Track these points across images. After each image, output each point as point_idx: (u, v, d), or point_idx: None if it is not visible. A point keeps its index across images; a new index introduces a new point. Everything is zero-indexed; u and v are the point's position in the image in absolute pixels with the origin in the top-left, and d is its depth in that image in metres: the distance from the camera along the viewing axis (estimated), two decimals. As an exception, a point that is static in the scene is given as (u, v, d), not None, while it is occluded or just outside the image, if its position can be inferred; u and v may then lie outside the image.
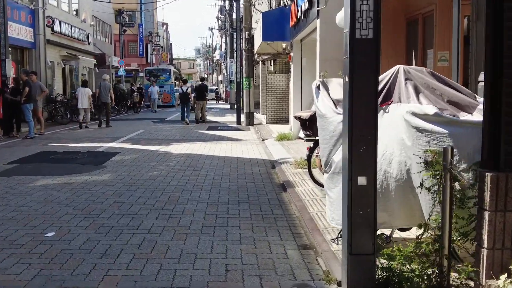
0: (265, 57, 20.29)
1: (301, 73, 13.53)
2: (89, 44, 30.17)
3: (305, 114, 6.68)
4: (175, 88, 35.82)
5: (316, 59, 13.19)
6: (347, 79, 3.52)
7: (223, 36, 59.88)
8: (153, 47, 52.98)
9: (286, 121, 20.18)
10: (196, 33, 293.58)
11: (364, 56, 3.46)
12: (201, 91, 21.55)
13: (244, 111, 20.21)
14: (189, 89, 21.34)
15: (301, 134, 13.53)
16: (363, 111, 3.47)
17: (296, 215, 5.89)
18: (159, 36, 55.41)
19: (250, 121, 20.05)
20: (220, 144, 13.32)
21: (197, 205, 6.35)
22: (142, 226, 5.37)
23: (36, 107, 15.53)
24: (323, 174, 6.88)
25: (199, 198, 6.75)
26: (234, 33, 35.80)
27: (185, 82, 22.72)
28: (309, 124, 6.66)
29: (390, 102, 3.96)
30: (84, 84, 19.92)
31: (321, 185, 6.89)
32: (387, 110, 3.97)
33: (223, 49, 62.03)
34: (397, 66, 4.09)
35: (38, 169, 9.15)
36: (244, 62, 20.17)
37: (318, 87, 4.82)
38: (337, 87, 4.78)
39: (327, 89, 4.77)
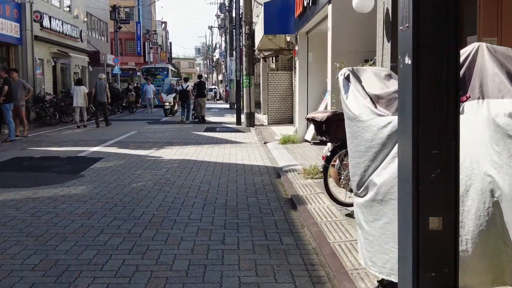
0: (266, 53, 18.97)
1: (307, 70, 12.21)
2: (82, 41, 28.84)
3: (321, 115, 5.34)
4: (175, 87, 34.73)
5: (325, 53, 11.88)
6: (408, 61, 2.20)
7: (223, 35, 58.63)
8: (150, 45, 51.59)
9: (289, 121, 18.86)
10: (196, 32, 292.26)
11: (438, 23, 2.14)
12: (200, 88, 20.90)
13: (244, 111, 18.90)
14: (190, 87, 21.01)
15: (308, 137, 12.22)
16: (436, 111, 2.15)
17: (312, 245, 4.56)
18: (156, 34, 54.00)
19: (251, 122, 18.73)
20: (217, 147, 12.00)
21: (185, 230, 5.02)
22: (108, 265, 4.04)
23: (18, 107, 14.21)
24: (347, 190, 5.59)
25: (188, 220, 5.42)
26: (234, 30, 34.55)
27: (186, 80, 22.29)
28: (326, 127, 5.32)
29: (466, 98, 2.63)
30: (79, 82, 19.48)
31: (341, 204, 5.57)
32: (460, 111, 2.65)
33: (222, 48, 60.77)
34: (475, 44, 2.77)
35: (3, 180, 7.82)
36: (244, 59, 18.84)
37: (347, 77, 3.48)
38: (372, 78, 3.45)
39: (359, 80, 3.43)
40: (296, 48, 12.43)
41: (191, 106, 21.19)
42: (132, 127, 18.23)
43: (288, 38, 14.35)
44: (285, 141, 12.17)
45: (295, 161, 9.19)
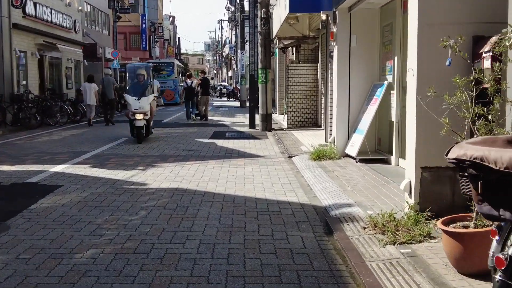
0: (286, 42, 15.73)
1: (349, 59, 8.97)
2: (76, 32, 25.78)
3: (498, 156, 2.06)
4: (180, 84, 31.49)
5: (374, 36, 8.66)
6: None
7: (233, 28, 55.47)
8: (156, 39, 48.49)
9: (314, 124, 15.63)
10: (206, 27, 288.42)
11: None
12: (205, 85, 19.61)
13: (260, 112, 15.68)
14: (194, 83, 19.42)
15: (352, 151, 8.88)
16: None
17: None
18: (162, 27, 50.84)
19: (268, 125, 15.51)
20: (227, 165, 8.81)
21: None
22: None
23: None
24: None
25: None
26: (246, 21, 31.41)
27: (189, 76, 20.60)
28: (507, 189, 2.06)
29: None
30: (90, 79, 18.07)
31: None
32: None
33: (233, 42, 57.58)
34: None
35: None
36: (259, 49, 15.60)
37: None
38: None
39: None
40: (334, 29, 9.19)
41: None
42: (123, 131, 15.09)
43: (324, 16, 10.95)
44: (319, 155, 8.95)
45: (347, 197, 5.97)
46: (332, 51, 9.62)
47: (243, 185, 7.07)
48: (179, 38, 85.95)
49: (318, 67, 15.33)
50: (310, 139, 12.42)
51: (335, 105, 9.20)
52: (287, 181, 7.37)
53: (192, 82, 19.37)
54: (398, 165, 7.96)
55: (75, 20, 25.65)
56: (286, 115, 18.18)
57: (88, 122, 17.58)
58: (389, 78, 8.37)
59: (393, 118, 8.10)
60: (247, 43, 35.74)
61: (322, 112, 14.88)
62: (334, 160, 8.78)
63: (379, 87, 8.62)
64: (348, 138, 9.13)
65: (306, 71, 15.57)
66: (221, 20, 67.51)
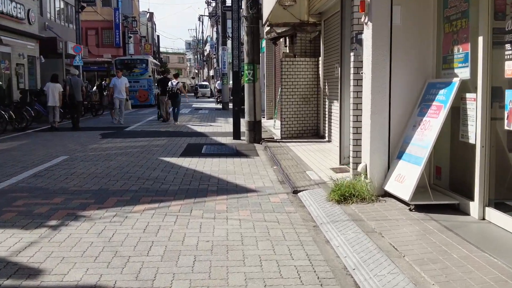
0: (279, 30, 12.42)
1: (389, 44, 5.71)
2: (30, 23, 22.16)
3: None
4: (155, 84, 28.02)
5: (430, 8, 5.52)
6: None
7: (214, 25, 52.05)
8: (129, 35, 44.78)
9: (314, 134, 12.40)
10: (187, 26, 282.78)
11: None
12: (165, 85, 18.14)
13: (246, 118, 12.35)
14: (180, 84, 18.34)
15: (404, 192, 4.98)
16: None
17: None
18: (136, 21, 47.12)
19: (256, 136, 12.20)
20: (199, 214, 5.46)
21: None
22: None
23: None
24: None
25: None
26: (229, 13, 28.14)
27: (176, 76, 19.01)
28: None
29: None
30: (55, 78, 16.19)
31: None
32: None
33: (214, 39, 54.08)
34: None
35: None
36: (245, 38, 12.27)
37: None
38: None
39: None
40: (367, -2, 5.93)
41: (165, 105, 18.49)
42: (69, 144, 11.65)
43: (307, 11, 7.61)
44: (343, 194, 5.66)
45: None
46: (360, 33, 6.33)
47: (225, 275, 3.73)
48: (158, 36, 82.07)
49: (320, 62, 12.07)
50: (316, 157, 9.14)
51: (368, 113, 5.91)
52: (305, 259, 4.05)
53: (177, 83, 18.03)
54: (484, 218, 4.75)
55: (29, 10, 22.05)
56: (276, 120, 14.93)
57: (50, 126, 15.77)
58: (463, 72, 5.13)
59: (473, 138, 4.88)
60: (229, 38, 32.41)
61: (326, 119, 11.63)
62: (370, 204, 5.50)
63: (442, 87, 5.36)
64: (389, 166, 5.86)
65: (304, 67, 12.32)
66: (201, 15, 63.88)
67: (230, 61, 32.55)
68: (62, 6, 30.24)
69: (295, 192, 6.56)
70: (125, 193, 6.48)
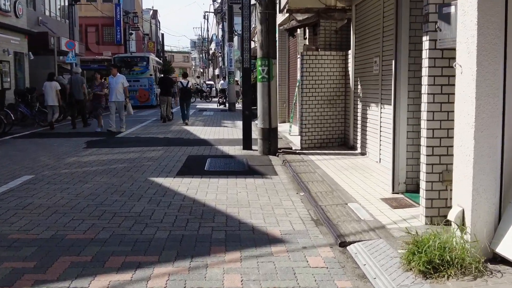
0: (300, 17, 10.20)
1: (504, 17, 3.53)
2: (17, 16, 20.05)
3: None
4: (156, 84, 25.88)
5: None
6: None
7: (220, 22, 49.88)
8: (130, 31, 42.69)
9: (341, 144, 10.21)
10: (192, 24, 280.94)
11: None
12: (166, 85, 17.77)
13: (259, 124, 10.14)
14: (190, 84, 17.91)
15: None
16: None
17: None
18: (137, 16, 45.01)
19: (271, 146, 9.99)
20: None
21: None
22: None
23: None
24: None
25: None
26: (235, 7, 26.06)
27: (185, 76, 18.43)
28: None
29: None
30: (51, 77, 16.05)
31: None
32: None
33: (219, 37, 51.90)
34: None
35: None
36: (258, 27, 10.06)
37: None
38: None
39: None
40: None
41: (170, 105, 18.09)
42: (42, 157, 9.49)
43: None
44: (430, 261, 3.46)
45: None
46: (448, 5, 4.13)
47: None
48: (162, 34, 79.98)
49: (349, 56, 9.88)
50: (355, 179, 6.94)
51: (468, 130, 3.69)
52: None
53: (188, 82, 17.46)
54: None
55: (15, 2, 19.91)
56: (292, 125, 12.74)
57: (49, 126, 15.37)
58: None
59: None
60: (236, 35, 30.19)
61: (358, 126, 9.45)
62: (478, 279, 3.30)
63: None
64: (500, 214, 3.66)
65: (330, 63, 10.14)
66: (207, 12, 61.74)
67: (237, 58, 30.42)
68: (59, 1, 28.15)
69: (343, 244, 4.38)
70: (87, 246, 4.30)
